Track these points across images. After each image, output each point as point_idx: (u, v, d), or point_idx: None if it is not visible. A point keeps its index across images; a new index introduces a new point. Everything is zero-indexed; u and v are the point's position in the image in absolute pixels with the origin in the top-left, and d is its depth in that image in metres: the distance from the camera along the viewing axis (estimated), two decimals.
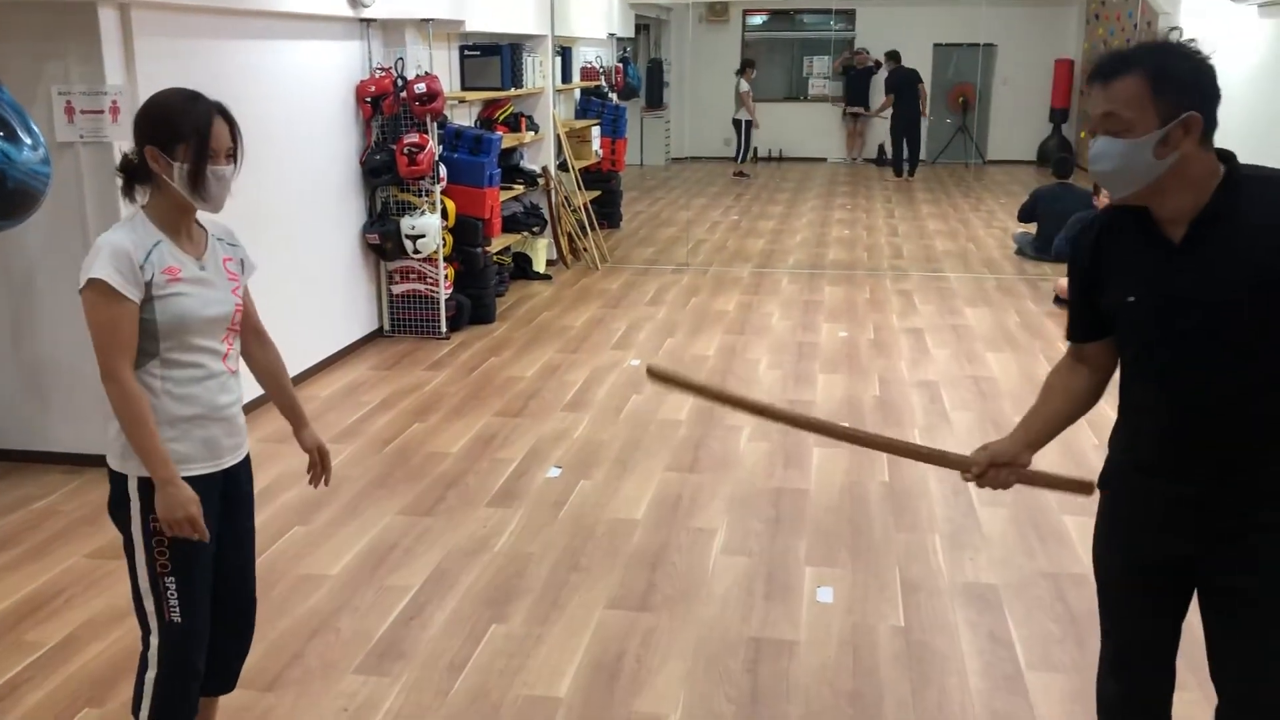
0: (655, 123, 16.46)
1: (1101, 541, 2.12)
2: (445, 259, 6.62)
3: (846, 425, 2.29)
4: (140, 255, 2.20)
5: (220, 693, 2.59)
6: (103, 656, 3.17)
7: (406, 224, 6.32)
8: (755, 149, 15.50)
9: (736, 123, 14.99)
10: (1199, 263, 1.84)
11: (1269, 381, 1.84)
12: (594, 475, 4.54)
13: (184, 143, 2.20)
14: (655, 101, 16.25)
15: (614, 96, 11.09)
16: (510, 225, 8.08)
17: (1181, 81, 1.80)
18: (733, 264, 9.07)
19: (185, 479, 2.23)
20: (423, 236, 6.34)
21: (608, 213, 10.55)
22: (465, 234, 6.89)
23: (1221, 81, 1.83)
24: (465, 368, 6.03)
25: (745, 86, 14.71)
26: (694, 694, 3.00)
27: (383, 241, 6.35)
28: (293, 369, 5.56)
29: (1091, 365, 2.11)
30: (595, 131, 10.07)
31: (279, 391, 2.62)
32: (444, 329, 6.62)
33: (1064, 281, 7.50)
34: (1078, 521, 4.03)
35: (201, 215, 2.33)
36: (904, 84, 14.43)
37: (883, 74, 15.10)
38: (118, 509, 2.30)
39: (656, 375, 2.51)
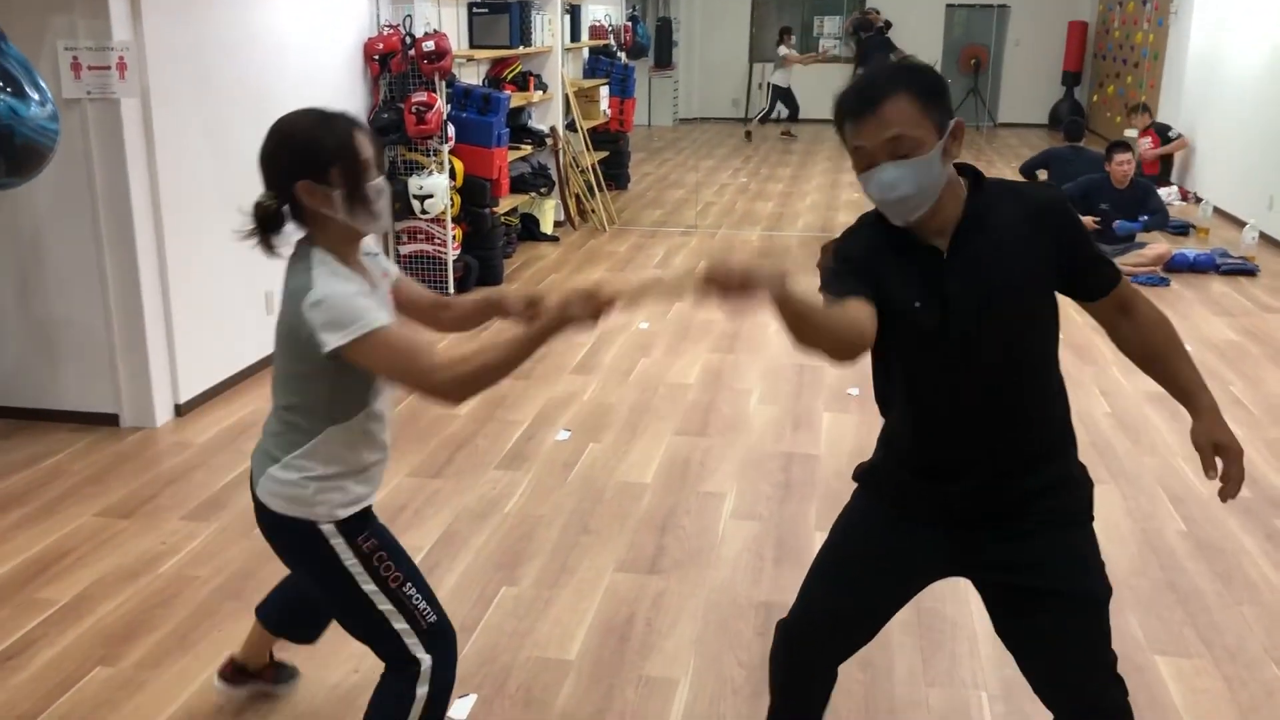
0: (663, 82, 16.32)
1: (857, 524, 2.10)
2: (453, 219, 6.58)
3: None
4: None
5: (306, 641, 2.68)
6: (115, 614, 3.18)
7: (414, 184, 6.27)
8: (780, 114, 15.40)
9: (772, 87, 15.03)
10: (969, 266, 1.88)
11: (1039, 381, 1.96)
12: (603, 438, 4.52)
13: (335, 166, 1.99)
14: (664, 61, 16.10)
15: (622, 56, 10.98)
16: (518, 186, 8.02)
17: (938, 92, 1.84)
18: (741, 226, 9.02)
19: (359, 513, 2.14)
20: (430, 196, 6.30)
21: (615, 174, 10.47)
22: (473, 194, 6.84)
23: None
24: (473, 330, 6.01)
25: (785, 51, 14.77)
26: (704, 658, 3.00)
27: (390, 201, 6.29)
28: None
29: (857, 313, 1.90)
30: (603, 91, 9.98)
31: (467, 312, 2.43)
32: (451, 290, 6.59)
33: None
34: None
35: None
36: (871, 54, 14.26)
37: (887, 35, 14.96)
38: (313, 556, 2.14)
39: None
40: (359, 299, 1.99)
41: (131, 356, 4.54)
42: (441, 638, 2.20)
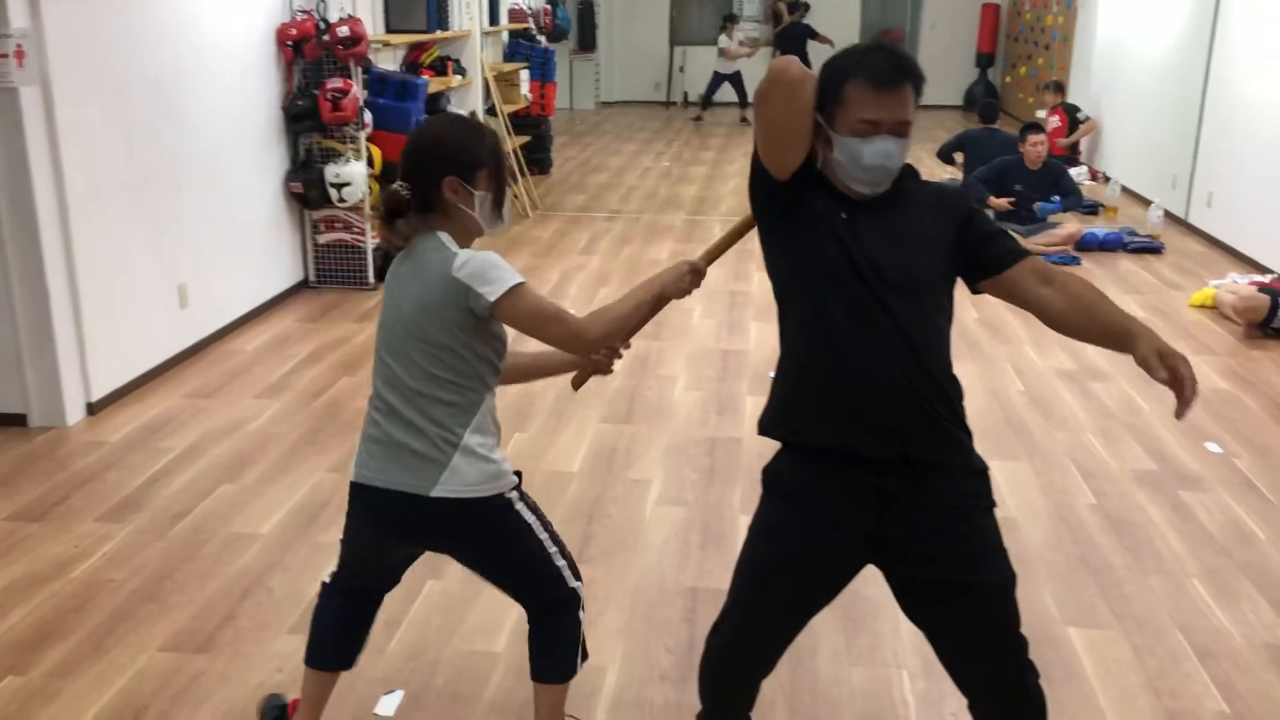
0: (585, 66, 16.25)
1: (772, 532, 2.11)
2: (371, 208, 6.49)
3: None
4: None
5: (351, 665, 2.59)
6: (25, 621, 3.09)
7: (331, 172, 6.17)
8: (713, 101, 15.40)
9: (715, 73, 15.02)
10: (891, 217, 2.04)
11: (937, 349, 2.04)
12: (529, 428, 4.51)
13: (484, 170, 2.22)
14: (585, 44, 16.02)
15: (543, 39, 10.90)
16: None
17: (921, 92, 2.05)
18: (665, 211, 9.04)
19: (514, 491, 2.29)
20: (348, 185, 6.19)
21: (538, 158, 10.41)
22: (393, 180, 6.73)
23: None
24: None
25: (725, 42, 14.76)
26: (632, 645, 3.02)
27: (306, 190, 6.19)
28: (216, 322, 5.46)
29: None
30: (524, 75, 9.90)
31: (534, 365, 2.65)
32: (372, 279, 6.50)
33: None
34: (1003, 466, 4.12)
35: None
36: (792, 41, 14.37)
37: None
38: (498, 531, 2.27)
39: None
40: (499, 260, 2.19)
41: (39, 354, 4.40)
42: (574, 563, 2.40)
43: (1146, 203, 8.86)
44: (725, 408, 4.72)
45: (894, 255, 2.01)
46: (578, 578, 2.39)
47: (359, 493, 2.29)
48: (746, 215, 2.26)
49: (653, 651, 2.99)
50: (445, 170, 2.19)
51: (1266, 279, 6.19)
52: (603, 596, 3.25)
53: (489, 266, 2.16)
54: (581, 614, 2.40)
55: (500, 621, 3.11)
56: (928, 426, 2.00)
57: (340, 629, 2.48)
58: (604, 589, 3.29)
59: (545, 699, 2.44)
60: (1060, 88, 10.62)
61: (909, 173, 2.11)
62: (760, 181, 2.10)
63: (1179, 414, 1.86)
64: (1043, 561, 3.47)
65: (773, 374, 2.18)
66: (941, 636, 2.10)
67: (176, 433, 4.42)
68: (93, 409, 4.60)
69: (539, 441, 4.38)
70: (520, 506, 2.29)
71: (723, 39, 14.92)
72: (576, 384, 2.62)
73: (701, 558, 3.47)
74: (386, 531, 2.32)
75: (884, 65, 1.98)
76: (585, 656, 2.43)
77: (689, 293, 2.32)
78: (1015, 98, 14.57)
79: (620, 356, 2.53)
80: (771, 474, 2.15)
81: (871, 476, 2.00)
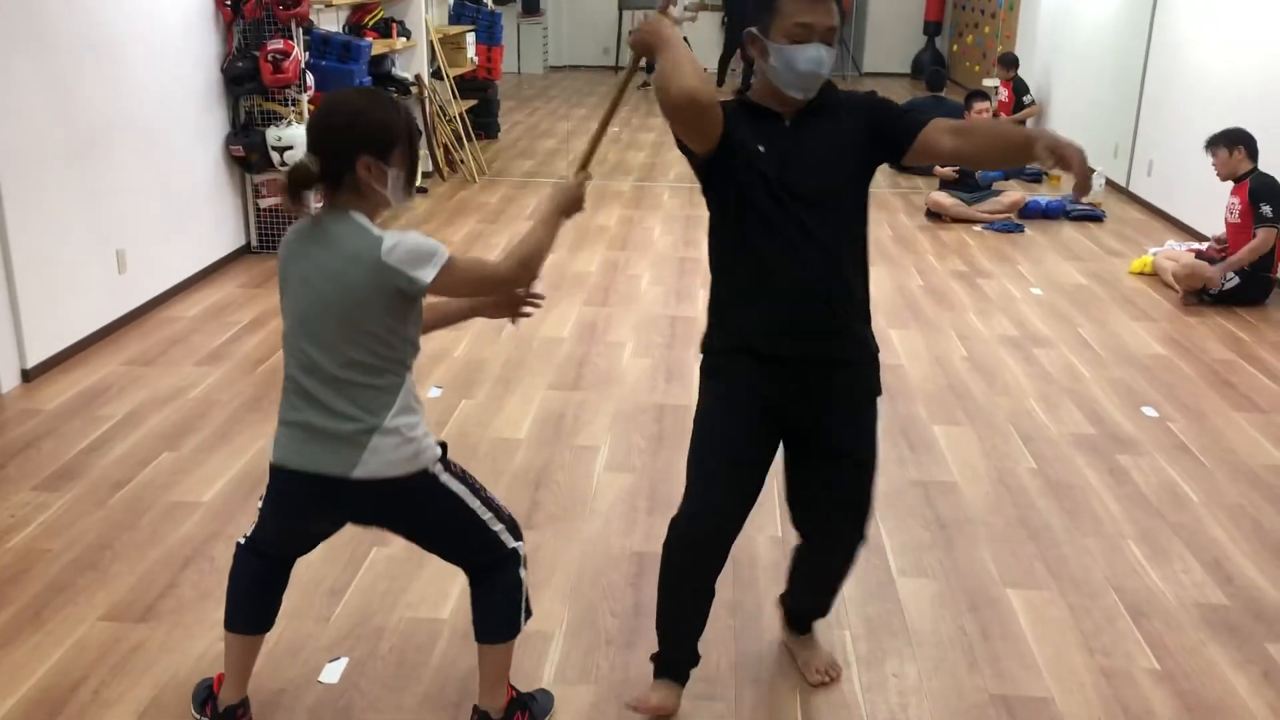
0: (532, 29, 16.06)
1: (716, 412, 2.48)
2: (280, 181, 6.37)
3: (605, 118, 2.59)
4: None
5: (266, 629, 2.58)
6: None
7: (273, 135, 6.05)
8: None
9: None
10: (811, 133, 2.35)
11: (854, 246, 2.41)
12: (476, 394, 4.49)
13: (397, 148, 2.18)
14: (532, 7, 15.82)
15: (489, 2, 10.75)
16: None
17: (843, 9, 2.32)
18: (613, 177, 8.99)
19: (438, 464, 2.29)
20: (290, 148, 6.08)
21: (485, 123, 10.29)
22: None
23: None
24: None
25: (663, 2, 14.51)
26: (578, 609, 3.03)
27: (247, 153, 6.07)
28: (155, 288, 5.36)
29: None
30: (470, 38, 9.76)
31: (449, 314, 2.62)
32: None
33: (936, 195, 7.71)
34: (946, 430, 4.18)
35: None
36: (738, 3, 14.33)
37: None
38: (426, 505, 2.29)
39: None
40: (422, 236, 2.17)
41: None
42: (514, 524, 2.42)
43: (1089, 171, 8.97)
44: (673, 374, 4.73)
45: (812, 175, 2.32)
46: (517, 537, 2.41)
47: (279, 475, 2.27)
48: (600, 124, 2.54)
49: (599, 616, 3.00)
50: (360, 149, 2.13)
51: (1203, 246, 6.31)
52: (549, 562, 3.26)
53: (418, 248, 2.14)
54: (523, 572, 2.41)
55: (447, 589, 3.10)
56: (839, 330, 2.40)
57: (258, 591, 2.46)
58: (550, 555, 3.30)
59: (489, 661, 2.44)
60: (1013, 62, 10.60)
61: (828, 87, 2.37)
62: (686, 151, 2.38)
63: (1076, 192, 2.21)
64: (984, 524, 3.53)
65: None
66: (814, 494, 2.54)
67: (115, 400, 4.34)
68: (28, 376, 4.50)
69: (486, 408, 4.36)
70: (446, 478, 2.29)
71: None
72: (515, 319, 2.68)
73: (649, 523, 3.49)
74: (310, 512, 2.32)
75: None
76: (529, 614, 2.45)
77: (583, 205, 2.49)
78: (962, 66, 14.65)
79: (539, 307, 2.61)
80: (709, 365, 2.51)
81: (789, 375, 2.39)
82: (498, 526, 2.36)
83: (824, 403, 2.43)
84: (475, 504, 2.33)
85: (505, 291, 2.44)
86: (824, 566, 2.70)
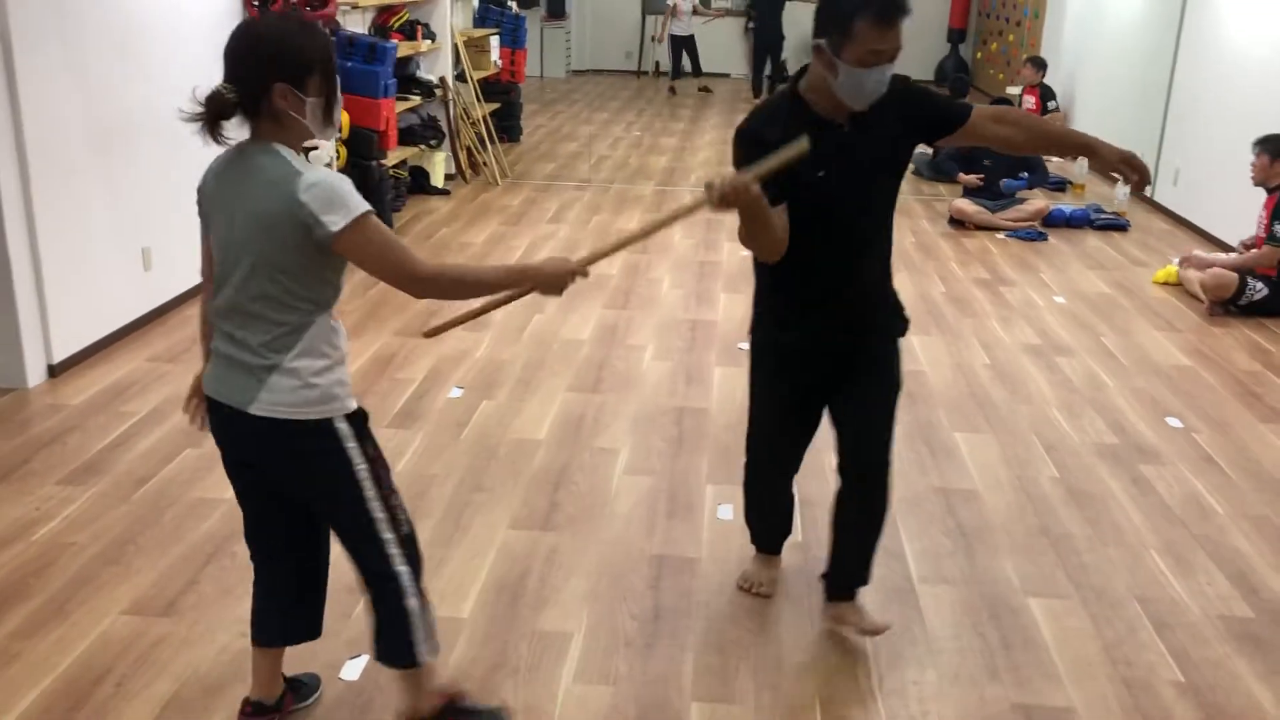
0: (556, 33, 16.11)
1: (766, 378, 2.87)
2: (339, 172, 6.40)
3: (640, 230, 2.66)
4: None
5: (314, 636, 2.54)
6: None
7: None
8: (685, 69, 15.23)
9: (670, 39, 14.83)
10: (864, 137, 2.52)
11: (889, 224, 2.69)
12: (496, 395, 4.50)
13: (313, 75, 2.08)
14: (556, 11, 15.87)
15: (513, 5, 10.78)
16: (407, 138, 7.85)
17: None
18: (635, 181, 9.00)
19: (363, 416, 2.23)
20: (314, 148, 6.11)
21: (507, 126, 10.33)
22: (359, 146, 6.67)
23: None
24: (361, 285, 5.87)
25: (671, 1, 14.51)
26: (597, 611, 3.03)
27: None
28: (179, 286, 5.39)
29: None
30: (494, 41, 9.80)
31: None
32: None
33: (960, 202, 7.68)
34: (967, 438, 4.16)
35: None
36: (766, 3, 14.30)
37: None
38: (327, 459, 2.18)
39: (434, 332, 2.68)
40: (349, 182, 2.09)
41: None
42: (414, 545, 2.33)
43: (1113, 180, 8.93)
44: (693, 378, 4.73)
45: (858, 187, 2.55)
46: (412, 562, 2.29)
47: (208, 405, 2.27)
48: (626, 236, 2.55)
49: (618, 619, 3.00)
50: (274, 76, 2.05)
51: (1229, 256, 6.26)
52: (568, 564, 3.26)
53: (335, 194, 2.04)
54: (412, 602, 2.28)
55: (466, 587, 3.11)
56: (881, 312, 2.75)
57: (260, 602, 2.46)
58: (570, 557, 3.30)
59: (400, 680, 2.37)
60: (1043, 65, 10.50)
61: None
62: None
63: (1140, 187, 2.54)
64: (1005, 532, 3.51)
65: (743, 346, 2.46)
66: (852, 415, 2.79)
67: (139, 396, 4.37)
68: (54, 371, 4.54)
69: (507, 409, 4.37)
70: (350, 446, 2.19)
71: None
72: (429, 334, 2.68)
73: (668, 526, 3.49)
74: (226, 444, 2.28)
75: (887, 4, 2.36)
76: (433, 648, 2.33)
77: (559, 293, 2.29)
78: (986, 73, 14.60)
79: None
80: (759, 332, 2.81)
81: (835, 352, 2.73)
82: (388, 536, 2.25)
83: (863, 362, 2.74)
84: (371, 494, 2.22)
85: (412, 292, 2.17)
86: (861, 507, 2.85)
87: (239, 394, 2.15)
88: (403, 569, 2.28)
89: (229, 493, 3.60)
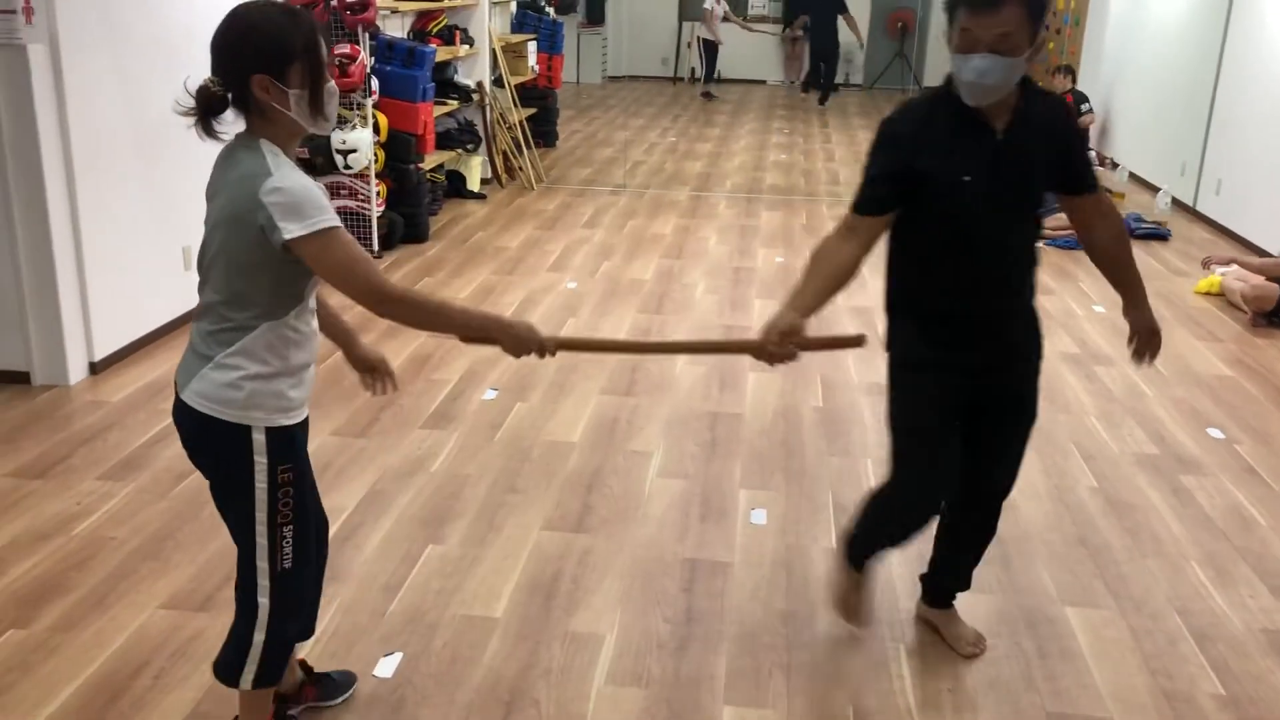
0: (592, 39, 16.17)
1: (911, 389, 2.61)
2: (377, 175, 6.47)
3: (647, 342, 2.58)
4: None
5: (306, 638, 2.52)
6: (28, 577, 3.10)
7: (337, 138, 6.14)
8: (719, 71, 15.26)
9: (702, 41, 14.86)
10: (1018, 149, 2.39)
11: (1033, 240, 2.58)
12: (530, 397, 4.51)
13: (296, 65, 2.00)
14: (593, 17, 15.94)
15: (551, 11, 10.84)
16: (444, 142, 7.90)
17: (1042, 12, 2.29)
18: (670, 186, 9.00)
19: (292, 433, 2.15)
20: (354, 151, 6.17)
21: (544, 131, 10.37)
22: (398, 149, 6.72)
23: None
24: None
25: (708, 4, 14.53)
26: (630, 614, 3.03)
27: (312, 156, 6.17)
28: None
29: (863, 239, 2.46)
30: (531, 47, 9.85)
31: (330, 317, 2.50)
32: (376, 247, 6.49)
33: None
34: None
35: None
36: (815, 5, 14.28)
37: None
38: (234, 464, 2.12)
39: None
40: (317, 192, 2.01)
41: (43, 312, 4.40)
42: (289, 589, 2.23)
43: (1154, 189, 8.83)
44: (727, 383, 4.72)
45: (1005, 196, 2.41)
46: (277, 601, 2.21)
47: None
48: (618, 342, 2.39)
49: (650, 621, 3.00)
50: (252, 67, 1.98)
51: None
52: (601, 566, 3.26)
53: (300, 201, 1.97)
54: (257, 636, 2.22)
55: (500, 588, 3.11)
56: (1016, 326, 2.61)
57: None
58: (603, 559, 3.30)
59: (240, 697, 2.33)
60: (1071, 73, 10.48)
61: (1030, 92, 2.41)
62: None
63: (1140, 362, 2.75)
64: (1043, 541, 3.47)
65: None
66: (985, 442, 2.66)
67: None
68: (95, 369, 4.60)
69: (540, 411, 4.38)
70: (259, 459, 2.11)
71: (709, 1, 14.64)
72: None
73: (701, 530, 3.48)
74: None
75: None
76: (263, 681, 2.27)
77: (519, 356, 2.24)
78: None
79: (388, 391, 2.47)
80: (899, 358, 2.63)
81: (971, 370, 2.56)
82: (261, 565, 2.18)
83: (1001, 379, 2.63)
84: (261, 516, 2.15)
85: (377, 311, 2.07)
86: (979, 527, 2.84)
87: (182, 377, 2.15)
88: (263, 601, 2.21)
89: None
